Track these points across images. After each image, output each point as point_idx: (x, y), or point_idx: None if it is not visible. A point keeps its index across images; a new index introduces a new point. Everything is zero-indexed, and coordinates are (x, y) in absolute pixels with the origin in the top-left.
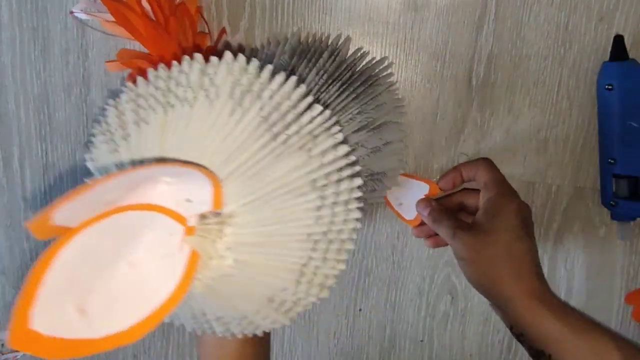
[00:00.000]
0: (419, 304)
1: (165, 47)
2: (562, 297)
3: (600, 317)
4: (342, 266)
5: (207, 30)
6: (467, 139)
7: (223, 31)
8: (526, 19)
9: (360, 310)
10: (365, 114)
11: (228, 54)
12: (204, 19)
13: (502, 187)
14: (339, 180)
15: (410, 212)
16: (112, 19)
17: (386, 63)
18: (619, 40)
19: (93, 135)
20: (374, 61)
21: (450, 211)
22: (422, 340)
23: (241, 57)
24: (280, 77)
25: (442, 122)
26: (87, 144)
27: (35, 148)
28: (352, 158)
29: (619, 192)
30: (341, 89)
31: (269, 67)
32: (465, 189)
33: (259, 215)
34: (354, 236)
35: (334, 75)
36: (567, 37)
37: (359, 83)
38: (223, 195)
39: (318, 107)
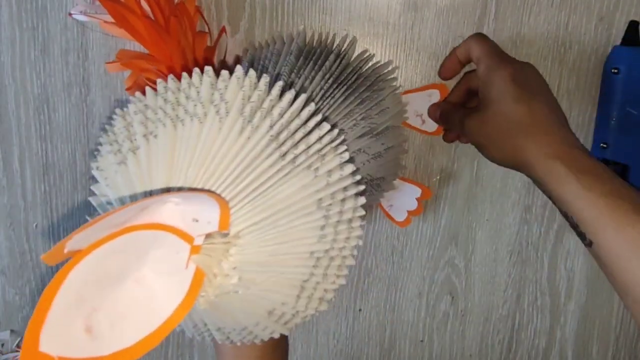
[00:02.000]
0: (418, 304)
1: (166, 47)
2: (562, 297)
3: (600, 317)
4: (342, 281)
5: (206, 30)
6: None
7: (223, 30)
8: (526, 19)
9: (360, 310)
10: (369, 120)
11: (239, 68)
12: (203, 18)
13: (493, 57)
14: (344, 200)
15: (400, 214)
16: (112, 20)
17: (391, 67)
18: (633, 26)
19: (99, 143)
20: (378, 64)
21: (459, 105)
22: (422, 341)
23: (252, 72)
24: (290, 94)
25: None
26: (94, 152)
27: (35, 148)
28: (357, 177)
29: None
30: (346, 94)
31: (280, 84)
32: (466, 73)
33: (265, 235)
34: (355, 252)
35: (340, 79)
36: (567, 37)
37: (364, 88)
38: (230, 217)
39: (327, 126)
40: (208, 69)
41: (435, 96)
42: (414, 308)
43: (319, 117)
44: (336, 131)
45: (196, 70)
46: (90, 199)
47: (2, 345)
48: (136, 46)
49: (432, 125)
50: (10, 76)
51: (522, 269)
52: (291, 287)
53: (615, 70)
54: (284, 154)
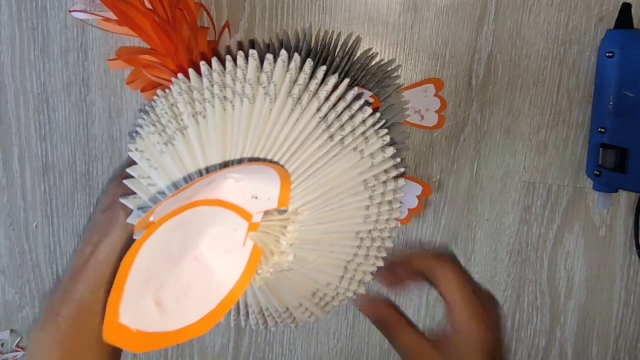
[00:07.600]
0: (419, 304)
1: (172, 43)
2: (562, 297)
3: (600, 317)
4: (381, 263)
5: (207, 25)
6: (467, 139)
7: (227, 25)
8: (526, 19)
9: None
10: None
11: (284, 52)
12: (207, 12)
13: (470, 306)
14: (386, 182)
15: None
16: (112, 17)
17: (395, 65)
18: (625, 9)
19: (139, 125)
20: (383, 62)
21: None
22: None
23: (297, 56)
24: (334, 78)
25: None
26: (132, 134)
27: (35, 148)
28: (398, 160)
29: (605, 162)
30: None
31: (324, 68)
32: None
33: (319, 213)
34: (394, 234)
35: (349, 76)
36: (567, 37)
37: (372, 84)
38: (291, 193)
39: (369, 109)
40: (253, 52)
41: (430, 91)
42: (414, 308)
43: (362, 101)
44: (378, 114)
45: (240, 53)
46: (126, 182)
47: (2, 345)
48: (136, 43)
49: (431, 121)
50: (10, 76)
51: (522, 269)
52: (337, 267)
53: (610, 54)
54: (332, 135)
